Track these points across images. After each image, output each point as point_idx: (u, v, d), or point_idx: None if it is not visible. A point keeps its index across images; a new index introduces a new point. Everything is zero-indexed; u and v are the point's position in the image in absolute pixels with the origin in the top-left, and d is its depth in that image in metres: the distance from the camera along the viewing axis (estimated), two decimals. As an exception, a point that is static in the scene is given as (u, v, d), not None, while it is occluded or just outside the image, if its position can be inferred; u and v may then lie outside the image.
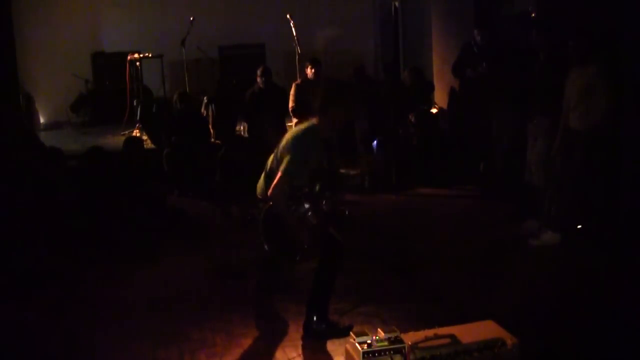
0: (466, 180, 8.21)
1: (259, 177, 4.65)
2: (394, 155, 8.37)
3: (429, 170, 8.43)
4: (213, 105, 9.72)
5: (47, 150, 7.95)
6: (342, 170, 4.44)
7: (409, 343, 3.51)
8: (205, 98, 9.98)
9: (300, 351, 4.24)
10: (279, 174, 4.21)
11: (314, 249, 4.30)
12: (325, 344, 4.27)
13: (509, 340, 3.59)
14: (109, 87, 11.76)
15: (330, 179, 4.53)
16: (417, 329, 3.74)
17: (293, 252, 4.32)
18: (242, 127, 9.57)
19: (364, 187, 8.20)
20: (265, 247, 4.45)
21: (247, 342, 4.39)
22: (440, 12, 10.42)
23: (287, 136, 4.41)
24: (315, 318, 4.36)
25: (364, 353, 3.46)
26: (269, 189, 4.33)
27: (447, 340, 3.55)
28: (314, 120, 4.40)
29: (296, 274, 5.24)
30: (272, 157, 4.50)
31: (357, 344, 3.51)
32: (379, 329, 3.65)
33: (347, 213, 4.41)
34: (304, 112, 8.65)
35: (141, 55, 10.78)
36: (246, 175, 7.34)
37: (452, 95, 9.23)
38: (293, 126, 8.89)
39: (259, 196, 4.58)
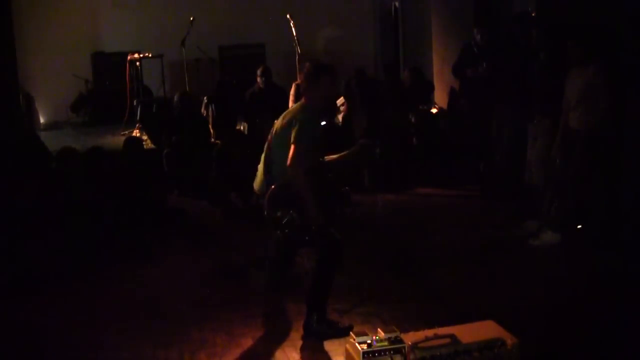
0: (466, 180, 8.21)
1: (255, 173, 4.65)
2: (394, 155, 8.37)
3: (429, 170, 8.43)
4: (213, 105, 9.72)
5: (47, 150, 7.96)
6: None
7: (409, 343, 3.51)
8: (205, 98, 9.98)
9: (300, 351, 4.24)
10: (293, 146, 4.18)
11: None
12: (325, 344, 4.27)
13: (509, 340, 3.59)
14: (109, 87, 11.75)
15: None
16: (417, 329, 3.75)
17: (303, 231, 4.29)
18: (242, 127, 9.58)
19: (364, 184, 8.20)
20: (274, 226, 4.38)
21: (247, 342, 4.39)
22: (440, 12, 10.42)
23: (282, 119, 4.42)
24: (315, 318, 4.36)
25: (364, 353, 3.46)
26: (268, 183, 4.35)
27: (447, 340, 3.55)
28: (301, 102, 4.47)
29: (296, 274, 5.24)
30: (265, 151, 4.51)
31: (357, 344, 3.52)
32: (379, 329, 3.65)
33: (347, 189, 4.43)
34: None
35: (141, 55, 10.78)
36: (243, 169, 7.40)
37: (452, 95, 9.23)
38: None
39: (257, 192, 4.58)
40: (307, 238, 4.37)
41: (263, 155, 4.55)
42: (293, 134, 4.22)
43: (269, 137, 4.52)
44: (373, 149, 4.52)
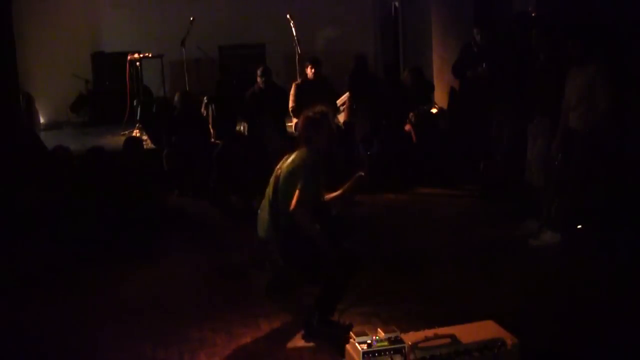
0: (466, 180, 8.21)
1: (256, 175, 4.67)
2: (394, 155, 8.37)
3: (429, 170, 8.43)
4: (213, 105, 9.72)
5: (47, 149, 7.97)
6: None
7: (409, 343, 3.51)
8: (205, 98, 9.98)
9: (300, 351, 4.24)
10: (298, 191, 4.29)
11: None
12: (325, 344, 4.27)
13: (509, 340, 3.59)
14: (109, 87, 11.75)
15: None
16: (417, 329, 3.74)
17: (319, 272, 4.38)
18: (242, 127, 9.58)
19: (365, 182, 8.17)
20: (292, 275, 4.57)
21: (247, 342, 4.39)
22: (440, 12, 10.42)
23: (289, 169, 4.46)
24: (316, 318, 4.36)
25: (364, 353, 3.46)
26: (274, 226, 4.44)
27: (447, 340, 3.55)
28: (303, 149, 4.55)
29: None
30: (269, 194, 4.53)
31: (357, 344, 3.51)
32: (379, 329, 3.65)
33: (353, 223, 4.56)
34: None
35: (141, 55, 10.78)
36: (243, 172, 7.40)
37: (452, 95, 9.23)
38: (293, 126, 8.95)
39: (262, 237, 4.62)
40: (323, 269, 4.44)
41: (266, 199, 4.58)
42: (300, 183, 4.32)
43: (272, 179, 4.55)
44: (366, 180, 4.70)
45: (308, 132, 4.56)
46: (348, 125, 8.81)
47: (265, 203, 4.59)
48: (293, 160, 4.51)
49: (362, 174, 4.76)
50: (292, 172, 4.42)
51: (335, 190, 4.68)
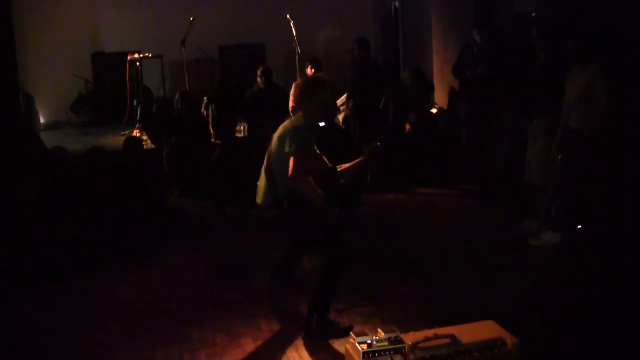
0: (466, 180, 8.21)
1: (255, 178, 4.69)
2: (395, 155, 8.36)
3: (429, 170, 8.43)
4: (213, 105, 9.72)
5: (48, 150, 7.97)
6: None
7: (409, 343, 3.51)
8: (205, 98, 9.98)
9: (300, 351, 4.24)
10: (292, 157, 4.29)
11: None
12: (325, 344, 4.27)
13: (509, 340, 3.59)
14: (109, 87, 11.76)
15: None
16: (417, 329, 3.75)
17: (320, 235, 4.40)
18: (242, 127, 9.58)
19: (366, 182, 8.18)
20: (295, 232, 4.55)
21: (247, 342, 4.39)
22: (440, 12, 10.42)
23: (279, 134, 4.50)
24: (315, 318, 4.36)
25: (364, 353, 3.46)
26: (271, 192, 4.45)
27: (447, 340, 3.55)
28: (295, 116, 4.58)
29: (296, 274, 5.24)
30: (265, 165, 4.57)
31: (357, 344, 3.52)
32: (379, 329, 3.65)
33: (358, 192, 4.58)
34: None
35: (141, 55, 10.78)
36: (241, 177, 7.38)
37: (452, 95, 9.23)
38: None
39: (260, 205, 4.65)
40: (319, 243, 4.45)
41: (263, 169, 4.60)
42: (292, 147, 4.32)
43: (267, 151, 4.59)
44: (380, 150, 4.71)
45: (301, 97, 4.55)
46: (347, 126, 8.80)
47: (262, 170, 4.61)
48: (284, 126, 4.53)
49: (379, 143, 4.75)
50: (283, 136, 4.43)
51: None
